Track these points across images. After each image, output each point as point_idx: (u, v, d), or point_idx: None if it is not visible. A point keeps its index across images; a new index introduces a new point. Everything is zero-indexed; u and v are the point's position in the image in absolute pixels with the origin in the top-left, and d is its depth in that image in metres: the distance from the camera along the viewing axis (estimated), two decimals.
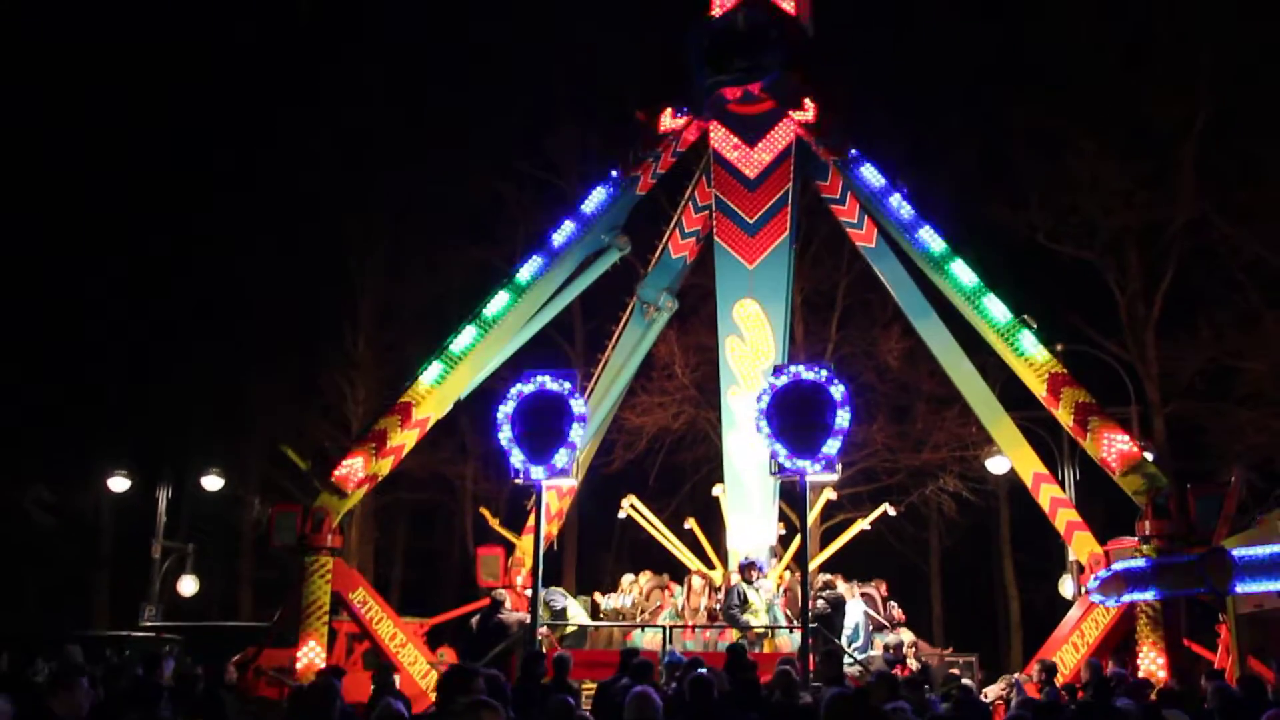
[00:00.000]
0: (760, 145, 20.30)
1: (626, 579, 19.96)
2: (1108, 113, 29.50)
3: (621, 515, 21.17)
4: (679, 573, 20.04)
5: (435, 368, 19.24)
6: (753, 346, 20.16)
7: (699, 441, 30.86)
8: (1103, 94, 29.56)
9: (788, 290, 20.55)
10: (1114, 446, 17.01)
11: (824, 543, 21.67)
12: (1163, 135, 29.04)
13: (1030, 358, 17.88)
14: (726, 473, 20.38)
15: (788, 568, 19.65)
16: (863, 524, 20.85)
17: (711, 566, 19.95)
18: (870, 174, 19.70)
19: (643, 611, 19.03)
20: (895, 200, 19.39)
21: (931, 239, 18.98)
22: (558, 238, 20.26)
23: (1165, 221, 29.56)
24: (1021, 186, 30.59)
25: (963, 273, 18.67)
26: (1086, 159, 29.38)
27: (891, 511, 21.26)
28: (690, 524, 20.14)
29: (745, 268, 20.22)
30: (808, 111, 19.89)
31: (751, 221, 20.22)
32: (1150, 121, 28.92)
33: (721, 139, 20.51)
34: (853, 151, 19.70)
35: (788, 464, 15.29)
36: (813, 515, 17.06)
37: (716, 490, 20.62)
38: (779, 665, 11.64)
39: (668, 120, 20.57)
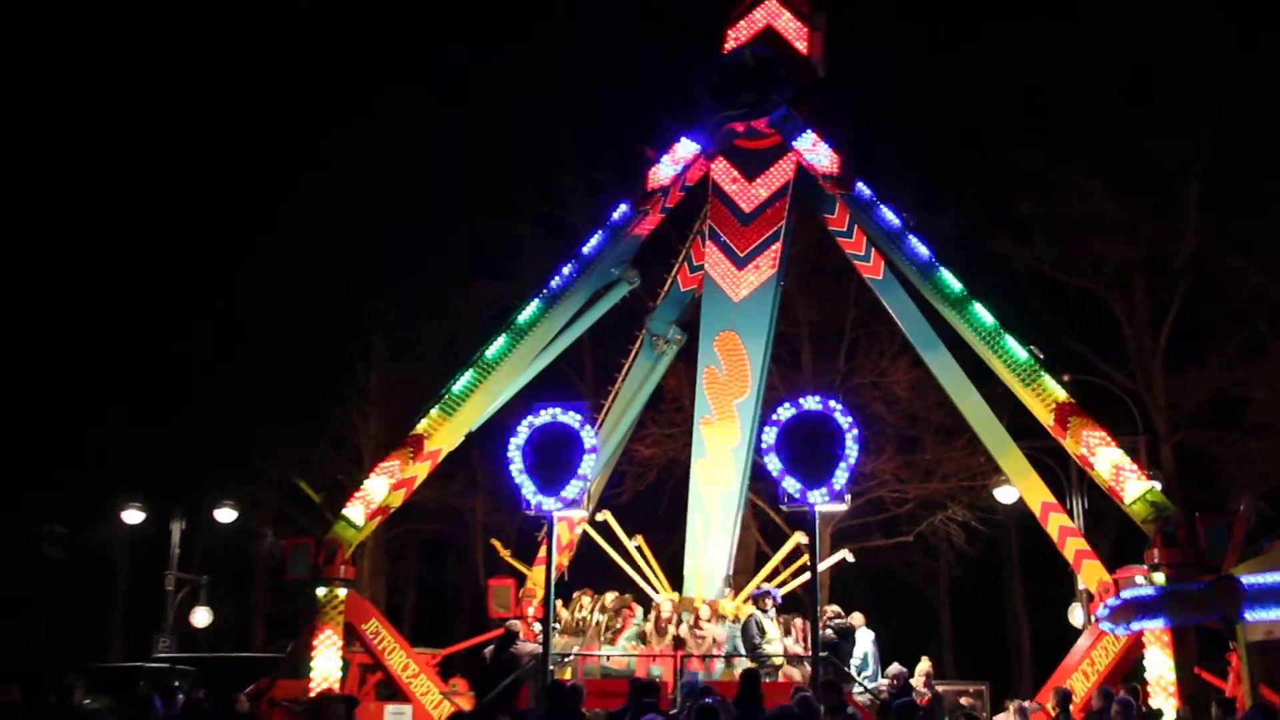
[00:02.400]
0: (759, 180, 20.49)
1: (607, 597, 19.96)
2: (1111, 150, 29.53)
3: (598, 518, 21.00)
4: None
5: (435, 413, 19.42)
6: (729, 378, 20.08)
7: None
8: (1105, 132, 29.63)
9: (770, 327, 20.38)
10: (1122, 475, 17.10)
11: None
12: (1166, 170, 29.08)
13: (1047, 391, 17.94)
14: (691, 501, 20.29)
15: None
16: (822, 565, 20.44)
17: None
18: (888, 215, 19.62)
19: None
20: (914, 241, 19.32)
21: (950, 280, 18.98)
22: (557, 281, 20.28)
23: (1171, 254, 29.54)
24: (1026, 222, 30.71)
25: (982, 313, 18.68)
26: (1091, 197, 29.45)
27: (850, 558, 21.07)
28: None
29: (730, 300, 20.27)
30: (816, 151, 19.95)
31: (741, 255, 20.35)
32: (1153, 157, 28.97)
33: (722, 172, 20.69)
34: (864, 190, 19.78)
35: (798, 495, 15.45)
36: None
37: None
38: (796, 693, 11.80)
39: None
